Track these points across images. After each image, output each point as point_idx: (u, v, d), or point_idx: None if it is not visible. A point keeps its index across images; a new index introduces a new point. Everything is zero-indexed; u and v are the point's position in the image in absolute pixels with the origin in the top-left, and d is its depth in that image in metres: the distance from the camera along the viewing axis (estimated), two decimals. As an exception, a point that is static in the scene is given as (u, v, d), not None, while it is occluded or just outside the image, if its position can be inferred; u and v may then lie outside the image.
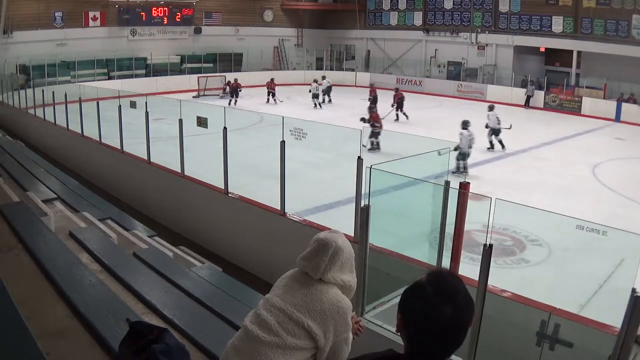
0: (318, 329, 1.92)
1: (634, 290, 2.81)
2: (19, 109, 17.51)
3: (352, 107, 21.54)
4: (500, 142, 14.16)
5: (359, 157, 5.61)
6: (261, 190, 8.08)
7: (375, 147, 13.71)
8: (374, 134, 13.64)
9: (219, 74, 26.09)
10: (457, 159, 11.12)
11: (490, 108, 14.63)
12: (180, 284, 4.31)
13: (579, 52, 23.80)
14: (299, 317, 1.92)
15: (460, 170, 10.99)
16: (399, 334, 1.44)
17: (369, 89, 21.23)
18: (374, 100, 18.78)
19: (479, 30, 27.22)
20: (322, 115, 16.30)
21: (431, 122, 18.18)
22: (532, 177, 11.78)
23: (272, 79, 23.43)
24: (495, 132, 14.13)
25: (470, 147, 11.74)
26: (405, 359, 1.42)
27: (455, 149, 10.49)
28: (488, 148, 14.16)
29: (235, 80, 23.21)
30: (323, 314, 1.93)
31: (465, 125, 11.95)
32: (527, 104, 23.51)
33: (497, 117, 14.14)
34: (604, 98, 21.88)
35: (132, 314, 3.19)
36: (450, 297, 1.34)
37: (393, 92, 19.18)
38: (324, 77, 23.29)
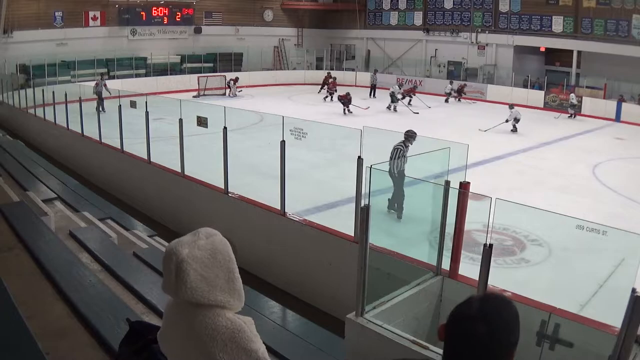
0: None
1: (634, 290, 2.80)
2: (19, 108, 17.50)
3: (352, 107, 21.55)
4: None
5: (359, 157, 5.61)
6: (261, 190, 8.08)
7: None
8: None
9: (219, 74, 26.08)
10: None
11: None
12: (180, 284, 4.30)
13: (579, 52, 23.80)
14: None
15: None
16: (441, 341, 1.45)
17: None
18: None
19: (479, 30, 27.21)
20: (322, 115, 16.36)
21: (431, 122, 18.20)
22: (532, 177, 11.77)
23: (332, 77, 23.93)
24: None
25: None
26: None
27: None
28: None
29: (332, 79, 23.27)
30: (205, 346, 1.60)
31: None
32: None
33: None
34: (604, 98, 21.88)
35: (132, 314, 3.19)
36: (489, 318, 1.34)
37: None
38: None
